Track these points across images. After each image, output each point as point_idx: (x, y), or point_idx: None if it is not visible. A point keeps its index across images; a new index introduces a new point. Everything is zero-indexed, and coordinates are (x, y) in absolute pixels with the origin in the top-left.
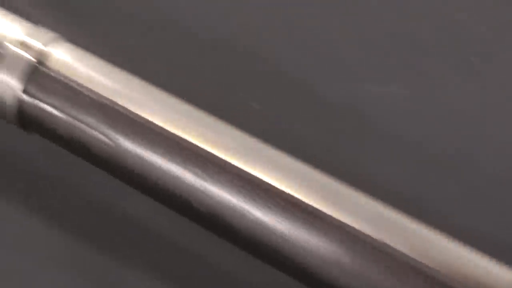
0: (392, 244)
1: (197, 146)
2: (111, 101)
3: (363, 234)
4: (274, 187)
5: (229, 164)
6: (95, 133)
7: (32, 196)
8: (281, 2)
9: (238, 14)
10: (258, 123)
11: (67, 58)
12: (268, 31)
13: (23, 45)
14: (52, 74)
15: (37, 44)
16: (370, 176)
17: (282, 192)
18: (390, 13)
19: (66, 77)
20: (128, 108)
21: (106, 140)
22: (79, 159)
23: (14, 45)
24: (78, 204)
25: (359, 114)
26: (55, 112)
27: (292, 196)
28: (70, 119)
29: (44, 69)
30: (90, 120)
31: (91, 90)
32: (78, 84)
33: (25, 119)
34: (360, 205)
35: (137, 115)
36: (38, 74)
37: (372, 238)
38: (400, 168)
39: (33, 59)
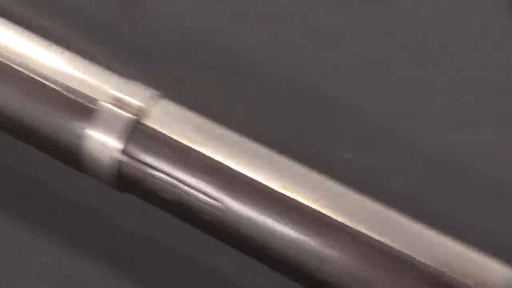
0: None
1: (316, 210)
2: (219, 162)
3: None
4: (408, 256)
5: (354, 230)
6: (203, 196)
7: (117, 254)
8: (372, 48)
9: (328, 59)
10: (349, 173)
11: (167, 116)
12: (358, 77)
13: (119, 102)
14: (153, 132)
15: (134, 101)
16: (474, 229)
17: (420, 263)
18: (485, 58)
19: (168, 136)
20: (238, 169)
21: (216, 203)
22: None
23: (109, 102)
24: (167, 262)
25: (456, 163)
26: (158, 174)
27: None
28: (174, 182)
29: (143, 127)
30: (198, 182)
31: (196, 151)
32: (182, 144)
33: (124, 181)
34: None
35: (247, 176)
36: (137, 133)
37: None
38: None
39: (132, 117)
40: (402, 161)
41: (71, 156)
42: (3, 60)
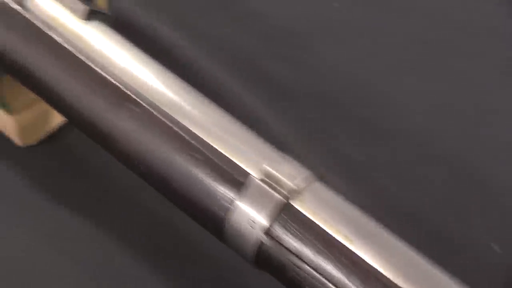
0: None
1: None
2: (364, 261)
3: None
4: None
5: None
6: None
7: None
8: None
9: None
10: (498, 267)
11: (319, 201)
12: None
13: (271, 179)
14: (302, 218)
15: (286, 180)
16: None
17: None
18: None
19: (317, 225)
20: (383, 272)
21: None
22: None
23: (260, 179)
24: None
25: None
26: (298, 262)
27: None
28: (314, 273)
29: (293, 210)
30: (340, 278)
31: (344, 246)
32: (330, 235)
33: (263, 260)
34: None
35: (392, 281)
36: (285, 215)
37: None
38: None
39: (281, 198)
40: None
41: (215, 225)
42: (154, 112)
